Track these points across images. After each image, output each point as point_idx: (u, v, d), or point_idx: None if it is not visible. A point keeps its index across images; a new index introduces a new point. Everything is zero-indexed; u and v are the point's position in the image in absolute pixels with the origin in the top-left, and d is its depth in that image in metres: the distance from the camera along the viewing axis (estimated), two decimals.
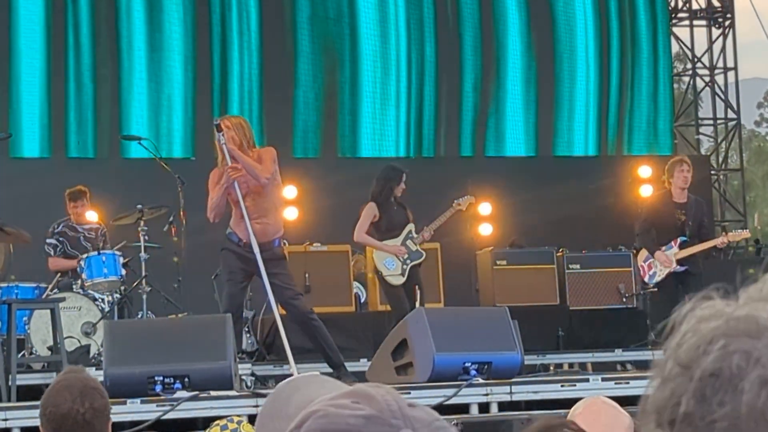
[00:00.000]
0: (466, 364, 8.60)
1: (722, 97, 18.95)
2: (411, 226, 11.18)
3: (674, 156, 14.00)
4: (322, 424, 1.13)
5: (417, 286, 11.14)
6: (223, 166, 9.00)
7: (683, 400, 1.03)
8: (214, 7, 16.08)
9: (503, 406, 8.46)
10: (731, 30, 18.77)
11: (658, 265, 11.22)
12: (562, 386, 8.71)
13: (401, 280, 11.05)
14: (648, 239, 11.33)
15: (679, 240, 11.15)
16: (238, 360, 8.80)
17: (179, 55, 15.83)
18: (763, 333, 1.03)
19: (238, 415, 6.61)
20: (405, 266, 11.05)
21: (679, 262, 11.15)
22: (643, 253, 11.44)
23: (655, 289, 11.63)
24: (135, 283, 11.42)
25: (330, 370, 9.19)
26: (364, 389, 1.18)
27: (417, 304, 10.68)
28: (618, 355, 12.55)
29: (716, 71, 18.88)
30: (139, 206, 11.59)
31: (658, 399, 1.06)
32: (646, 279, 11.40)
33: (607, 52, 17.70)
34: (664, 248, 11.24)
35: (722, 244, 11.64)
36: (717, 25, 18.84)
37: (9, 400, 8.47)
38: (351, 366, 10.04)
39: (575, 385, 8.66)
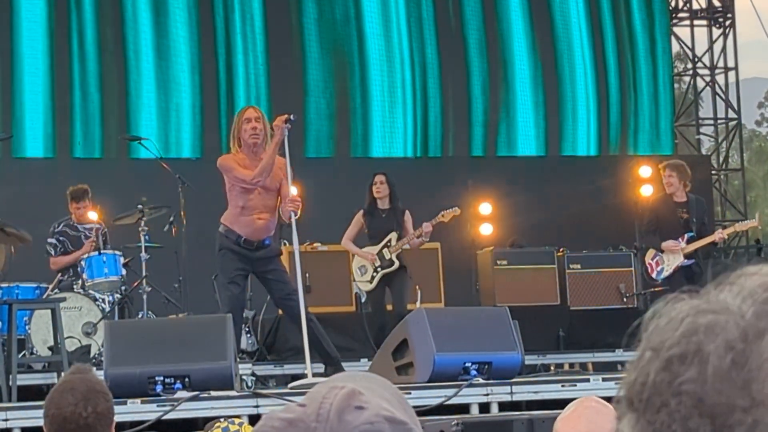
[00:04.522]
0: (467, 364, 8.59)
1: (723, 96, 18.95)
2: (393, 235, 11.18)
3: (671, 157, 14.15)
4: (258, 426, 1.17)
5: (417, 286, 11.15)
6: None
7: (651, 371, 1.04)
8: (218, 9, 16.05)
9: (504, 406, 8.46)
10: (732, 30, 18.76)
11: (666, 260, 11.38)
12: (562, 386, 8.71)
13: (369, 287, 11.24)
14: (653, 239, 11.53)
15: (686, 236, 11.37)
16: (238, 360, 8.79)
17: (186, 60, 15.81)
18: (726, 309, 1.05)
19: (238, 416, 6.61)
20: (375, 274, 11.16)
21: (686, 256, 11.32)
22: (651, 252, 11.57)
23: (660, 288, 11.69)
24: (135, 283, 11.41)
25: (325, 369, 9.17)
26: (320, 391, 1.18)
27: (418, 304, 10.68)
28: (618, 355, 12.54)
29: (717, 71, 18.88)
30: (140, 206, 11.58)
31: (628, 381, 1.08)
32: (654, 275, 11.53)
33: (602, 51, 17.68)
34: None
35: (720, 239, 11.84)
36: (717, 25, 18.84)
37: (9, 400, 8.46)
38: (351, 366, 10.03)
39: (576, 385, 8.66)
